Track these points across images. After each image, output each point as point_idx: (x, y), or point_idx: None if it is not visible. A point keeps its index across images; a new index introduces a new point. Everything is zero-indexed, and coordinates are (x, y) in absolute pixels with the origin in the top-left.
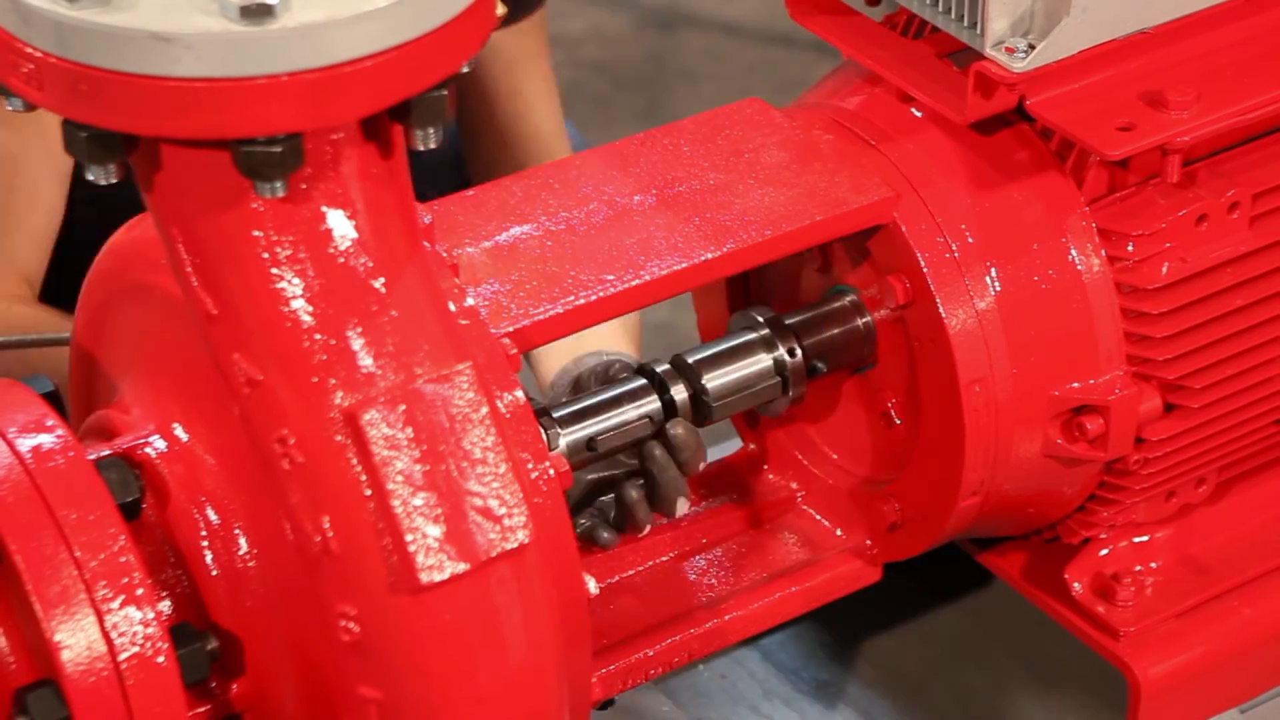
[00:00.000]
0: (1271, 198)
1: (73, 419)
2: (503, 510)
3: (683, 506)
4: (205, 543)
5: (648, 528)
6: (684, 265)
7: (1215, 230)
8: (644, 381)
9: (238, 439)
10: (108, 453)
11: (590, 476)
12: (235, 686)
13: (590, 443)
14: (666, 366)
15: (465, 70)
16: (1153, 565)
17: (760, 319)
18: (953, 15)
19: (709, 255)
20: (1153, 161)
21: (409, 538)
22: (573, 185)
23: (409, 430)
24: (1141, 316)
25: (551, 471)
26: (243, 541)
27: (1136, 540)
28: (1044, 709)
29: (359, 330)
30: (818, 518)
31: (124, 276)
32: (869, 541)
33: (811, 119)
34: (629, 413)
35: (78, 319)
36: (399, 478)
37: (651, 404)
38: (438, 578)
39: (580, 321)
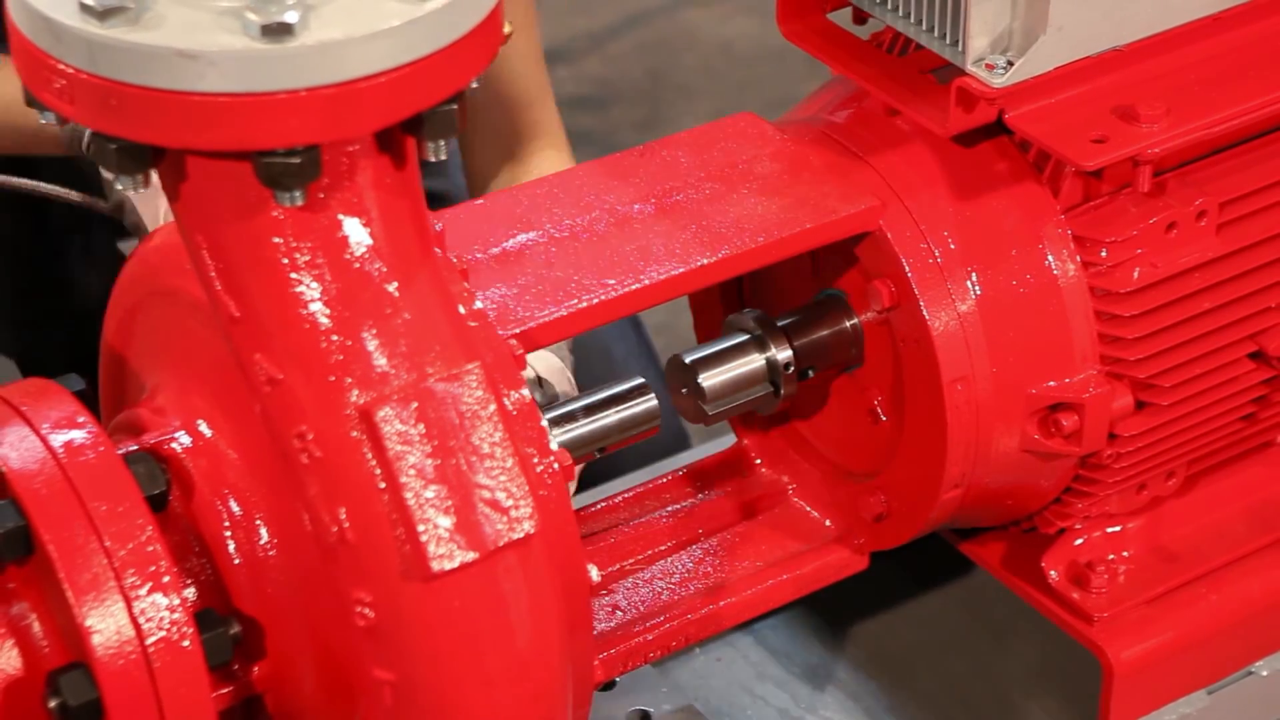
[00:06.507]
0: (1237, 206)
1: (103, 416)
2: (509, 502)
3: None
4: (228, 533)
5: None
6: (681, 270)
7: (1184, 237)
8: (642, 381)
9: (259, 435)
10: (136, 448)
11: None
12: (257, 669)
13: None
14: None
15: (474, 86)
16: (1125, 554)
17: (753, 321)
18: (935, 33)
19: (705, 261)
20: (1125, 172)
21: (421, 528)
22: (576, 194)
23: (421, 426)
24: (1114, 319)
25: (556, 465)
26: (263, 532)
27: (1109, 530)
28: (1021, 690)
29: (374, 332)
30: (808, 509)
31: (151, 281)
32: (856, 532)
33: (802, 132)
34: (627, 411)
35: (108, 321)
36: (411, 471)
37: (650, 402)
38: (448, 566)
39: (583, 323)
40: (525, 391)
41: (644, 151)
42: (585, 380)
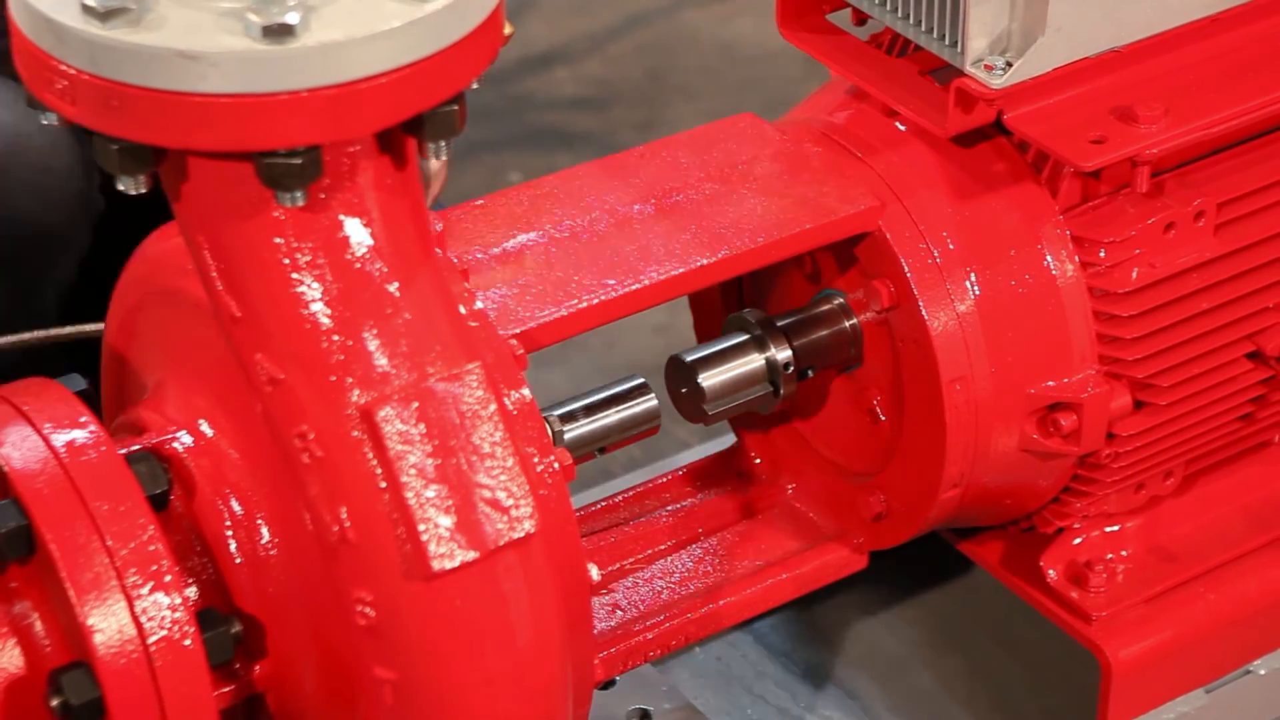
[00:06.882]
0: (1235, 206)
1: (105, 416)
2: (510, 501)
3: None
4: (229, 532)
5: None
6: (681, 270)
7: (1182, 237)
8: (642, 380)
9: (260, 434)
10: (138, 447)
11: None
12: (258, 668)
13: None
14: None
15: (475, 86)
16: (1123, 553)
17: (753, 321)
18: (934, 34)
19: (705, 261)
20: (1123, 172)
21: (421, 527)
22: (576, 195)
23: (421, 426)
24: (1112, 319)
25: (556, 465)
26: (265, 531)
27: (1108, 530)
28: (1020, 689)
29: (374, 332)
30: (807, 509)
31: (153, 282)
32: (856, 531)
33: (801, 133)
34: (628, 411)
35: (109, 322)
36: (412, 471)
37: (650, 402)
38: (449, 565)
39: (583, 323)
40: (526, 391)
41: (644, 152)
42: None
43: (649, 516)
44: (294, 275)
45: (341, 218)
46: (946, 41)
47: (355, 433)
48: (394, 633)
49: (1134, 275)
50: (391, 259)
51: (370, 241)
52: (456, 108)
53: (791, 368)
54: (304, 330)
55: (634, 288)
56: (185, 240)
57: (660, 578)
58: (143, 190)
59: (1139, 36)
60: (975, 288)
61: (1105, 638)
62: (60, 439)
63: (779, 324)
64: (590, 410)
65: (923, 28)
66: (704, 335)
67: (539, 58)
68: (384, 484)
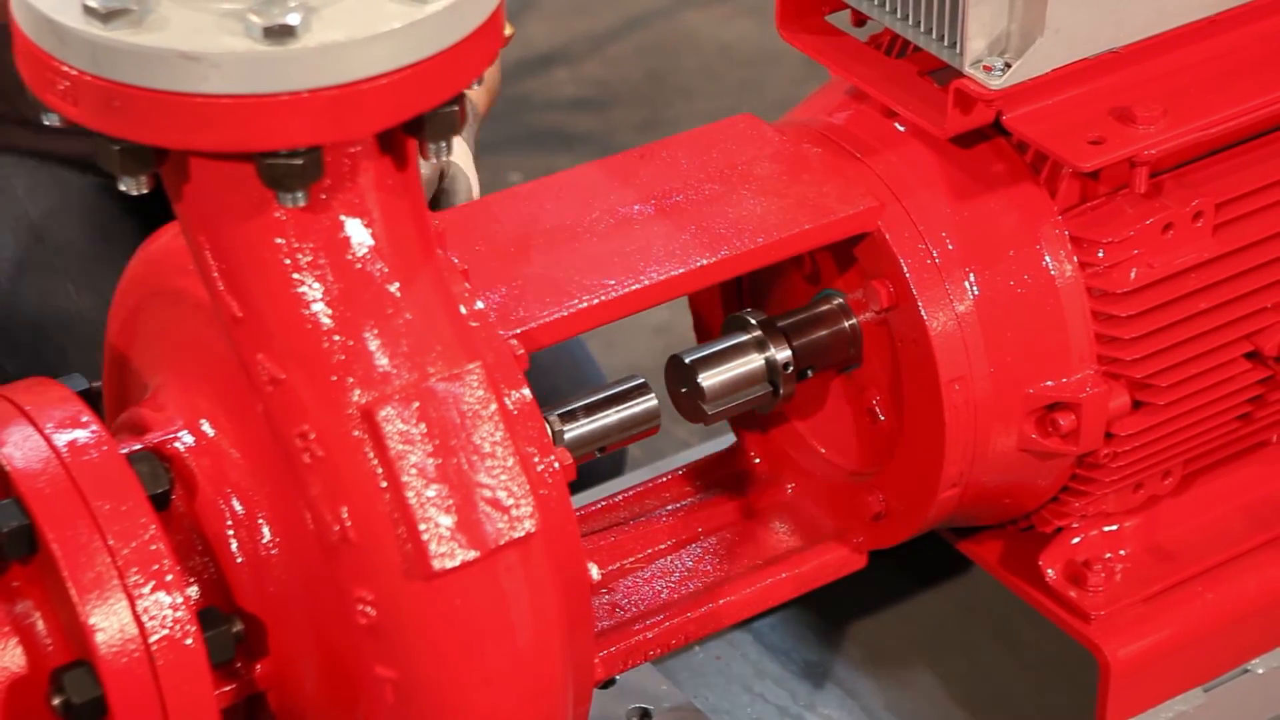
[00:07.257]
0: (1233, 207)
1: (107, 415)
2: (510, 501)
3: None
4: (231, 532)
5: None
6: (681, 271)
7: (1180, 238)
8: (642, 380)
9: (261, 434)
10: (139, 447)
11: None
12: (259, 667)
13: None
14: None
15: (476, 86)
16: (1122, 553)
17: (753, 321)
18: (933, 35)
19: (705, 261)
20: (1122, 173)
21: (422, 527)
22: (576, 195)
23: (422, 426)
24: (1111, 319)
25: (556, 464)
26: (266, 530)
27: (1106, 529)
28: (1019, 688)
29: (375, 332)
30: (807, 508)
31: (154, 282)
32: (855, 531)
33: (801, 133)
34: (627, 411)
35: (111, 322)
36: (413, 470)
37: (650, 402)
38: (449, 564)
39: (583, 323)
40: (526, 391)
41: (644, 153)
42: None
43: (649, 516)
44: (295, 275)
45: (342, 218)
46: (945, 42)
47: (356, 432)
48: (394, 632)
49: (1132, 275)
50: (392, 259)
51: (371, 242)
52: (457, 108)
53: (791, 368)
54: (305, 330)
55: (634, 288)
56: (187, 240)
57: (660, 577)
58: (144, 191)
59: (1137, 37)
60: (974, 288)
61: (1104, 637)
62: (62, 438)
63: (779, 324)
64: (590, 410)
65: (921, 29)
66: (704, 335)
67: (539, 58)
68: (385, 484)
